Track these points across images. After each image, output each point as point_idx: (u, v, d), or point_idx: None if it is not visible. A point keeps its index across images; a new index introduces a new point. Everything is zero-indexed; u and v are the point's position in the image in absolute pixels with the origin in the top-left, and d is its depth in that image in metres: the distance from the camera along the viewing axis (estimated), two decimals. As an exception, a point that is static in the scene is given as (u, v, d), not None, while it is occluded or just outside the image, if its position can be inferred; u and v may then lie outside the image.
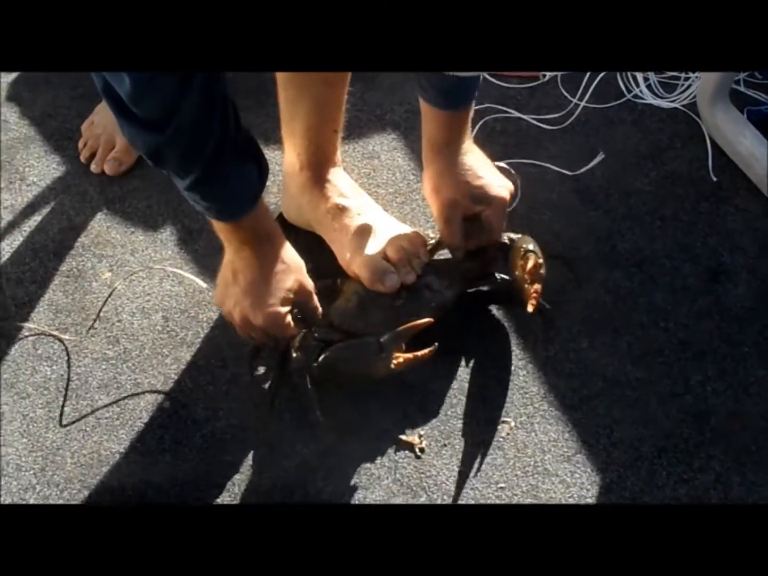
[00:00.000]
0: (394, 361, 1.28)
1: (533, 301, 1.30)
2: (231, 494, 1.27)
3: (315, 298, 1.33)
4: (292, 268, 1.29)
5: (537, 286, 1.32)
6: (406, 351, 1.29)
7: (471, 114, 1.39)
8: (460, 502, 1.26)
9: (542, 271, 1.33)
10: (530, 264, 1.32)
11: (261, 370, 1.37)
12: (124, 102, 1.06)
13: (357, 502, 1.26)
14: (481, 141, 1.61)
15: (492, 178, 1.38)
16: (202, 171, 1.15)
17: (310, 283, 1.32)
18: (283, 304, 1.27)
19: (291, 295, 1.28)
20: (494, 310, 1.43)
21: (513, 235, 1.38)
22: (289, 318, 1.28)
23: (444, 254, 1.45)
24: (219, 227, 1.25)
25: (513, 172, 1.52)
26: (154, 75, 1.03)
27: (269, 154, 1.62)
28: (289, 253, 1.30)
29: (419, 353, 1.29)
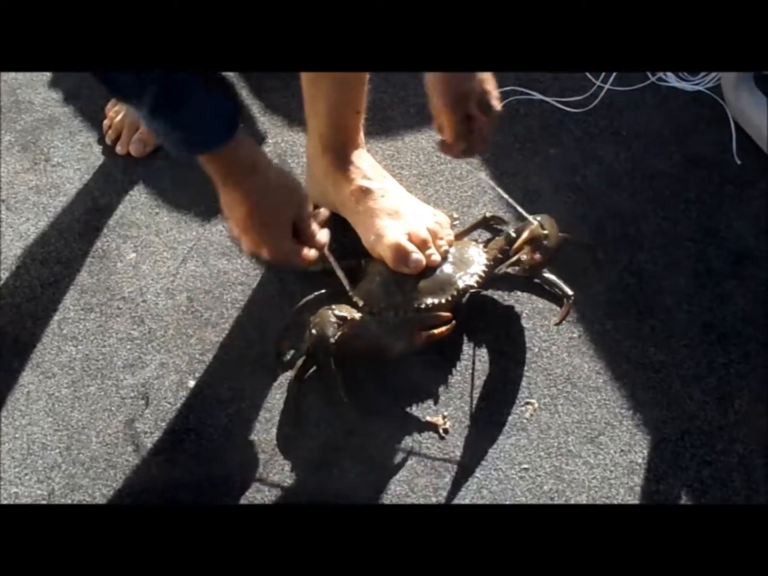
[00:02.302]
0: (411, 342, 1.29)
1: (526, 266, 1.36)
2: (256, 473, 1.28)
3: (312, 221, 1.24)
4: (285, 196, 1.21)
5: (537, 256, 1.36)
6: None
7: None
8: (484, 482, 1.27)
9: (546, 242, 1.35)
10: (525, 235, 1.35)
11: (288, 351, 1.37)
12: None
13: (381, 482, 1.27)
14: (504, 123, 1.62)
15: (495, 89, 1.29)
16: (161, 86, 1.05)
17: (305, 207, 1.23)
18: (283, 237, 1.21)
19: (290, 226, 1.21)
20: (518, 292, 1.43)
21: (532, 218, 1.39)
22: (296, 246, 1.22)
23: (471, 237, 1.46)
24: (203, 161, 1.17)
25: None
26: None
27: (293, 135, 1.63)
28: (280, 180, 1.21)
29: (437, 331, 1.30)
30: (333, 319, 1.30)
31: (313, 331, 1.30)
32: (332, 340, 1.29)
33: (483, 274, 1.36)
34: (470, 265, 1.36)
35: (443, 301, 1.32)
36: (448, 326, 1.30)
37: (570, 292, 1.38)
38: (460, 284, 1.34)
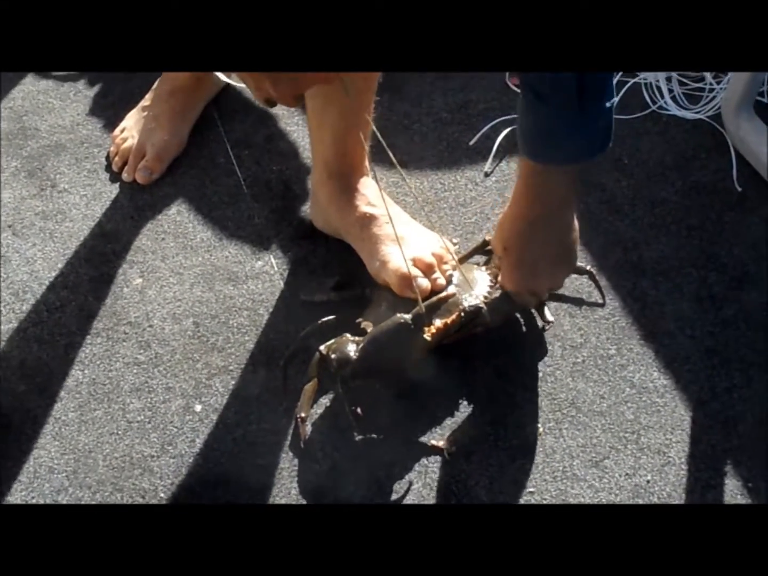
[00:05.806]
0: (427, 335, 1.29)
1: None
2: (262, 498, 1.28)
3: None
4: None
5: None
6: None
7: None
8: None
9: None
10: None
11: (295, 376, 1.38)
12: None
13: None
14: (507, 151, 1.64)
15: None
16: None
17: None
18: None
19: None
20: (520, 317, 1.44)
21: None
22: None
23: (473, 261, 1.47)
24: None
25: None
26: None
27: (298, 162, 1.64)
28: None
29: (448, 320, 1.31)
30: (351, 340, 1.31)
31: (333, 355, 1.30)
32: (354, 356, 1.29)
33: (488, 295, 1.37)
34: (475, 287, 1.37)
35: (449, 321, 1.32)
36: (457, 314, 1.31)
37: (550, 319, 1.40)
38: (466, 305, 1.34)
